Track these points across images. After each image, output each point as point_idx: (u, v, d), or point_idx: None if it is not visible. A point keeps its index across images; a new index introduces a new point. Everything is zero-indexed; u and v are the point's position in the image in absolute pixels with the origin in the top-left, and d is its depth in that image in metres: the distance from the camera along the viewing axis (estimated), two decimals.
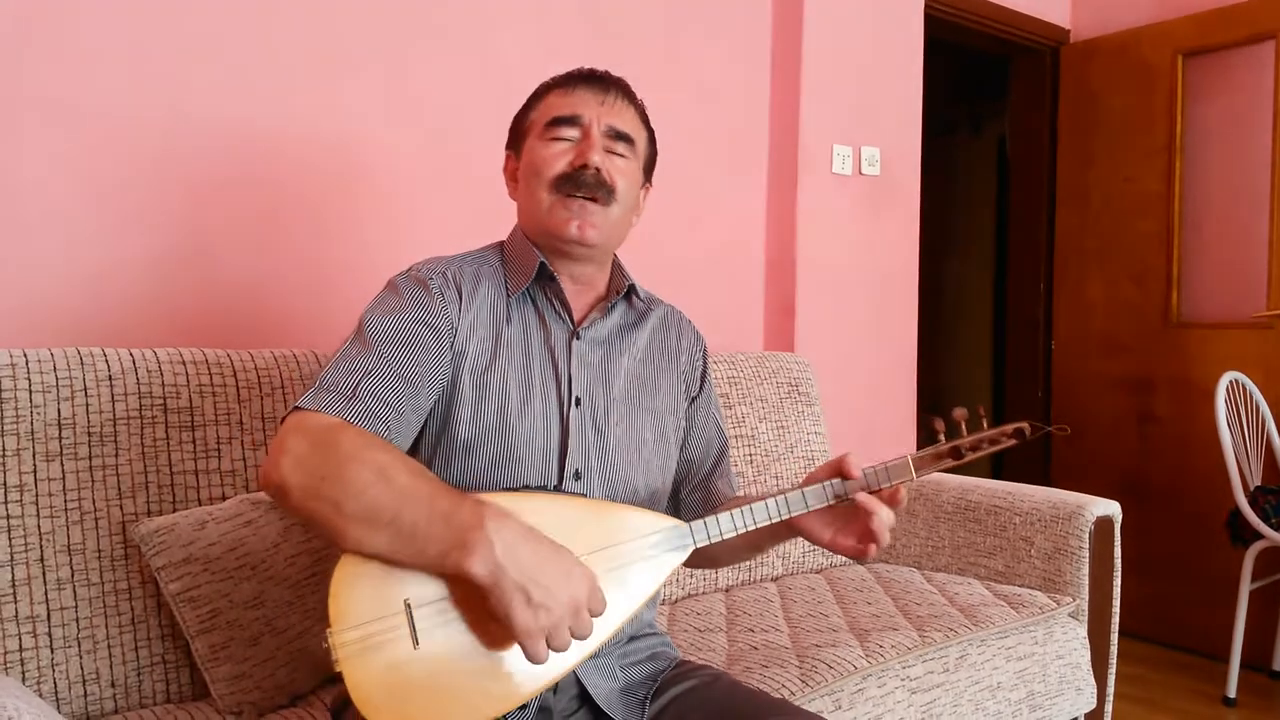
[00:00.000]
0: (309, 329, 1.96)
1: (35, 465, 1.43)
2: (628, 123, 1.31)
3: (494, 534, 0.99)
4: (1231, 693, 2.85)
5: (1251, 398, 3.03)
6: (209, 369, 1.62)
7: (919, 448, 3.16)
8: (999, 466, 4.34)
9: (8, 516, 1.40)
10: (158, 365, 1.57)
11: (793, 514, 1.17)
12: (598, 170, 1.25)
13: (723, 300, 2.76)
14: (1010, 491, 2.26)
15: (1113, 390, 3.57)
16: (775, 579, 2.29)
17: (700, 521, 1.16)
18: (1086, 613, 2.12)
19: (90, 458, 1.47)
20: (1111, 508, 2.16)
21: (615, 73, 1.37)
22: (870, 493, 1.17)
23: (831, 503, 1.18)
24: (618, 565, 1.11)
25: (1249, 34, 3.25)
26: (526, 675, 1.06)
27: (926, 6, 3.10)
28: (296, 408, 1.10)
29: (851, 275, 2.91)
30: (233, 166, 1.91)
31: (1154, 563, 3.33)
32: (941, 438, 1.20)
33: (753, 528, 1.17)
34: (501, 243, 1.37)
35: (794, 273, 2.78)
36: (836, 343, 2.86)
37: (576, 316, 1.31)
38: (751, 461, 2.32)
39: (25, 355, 1.47)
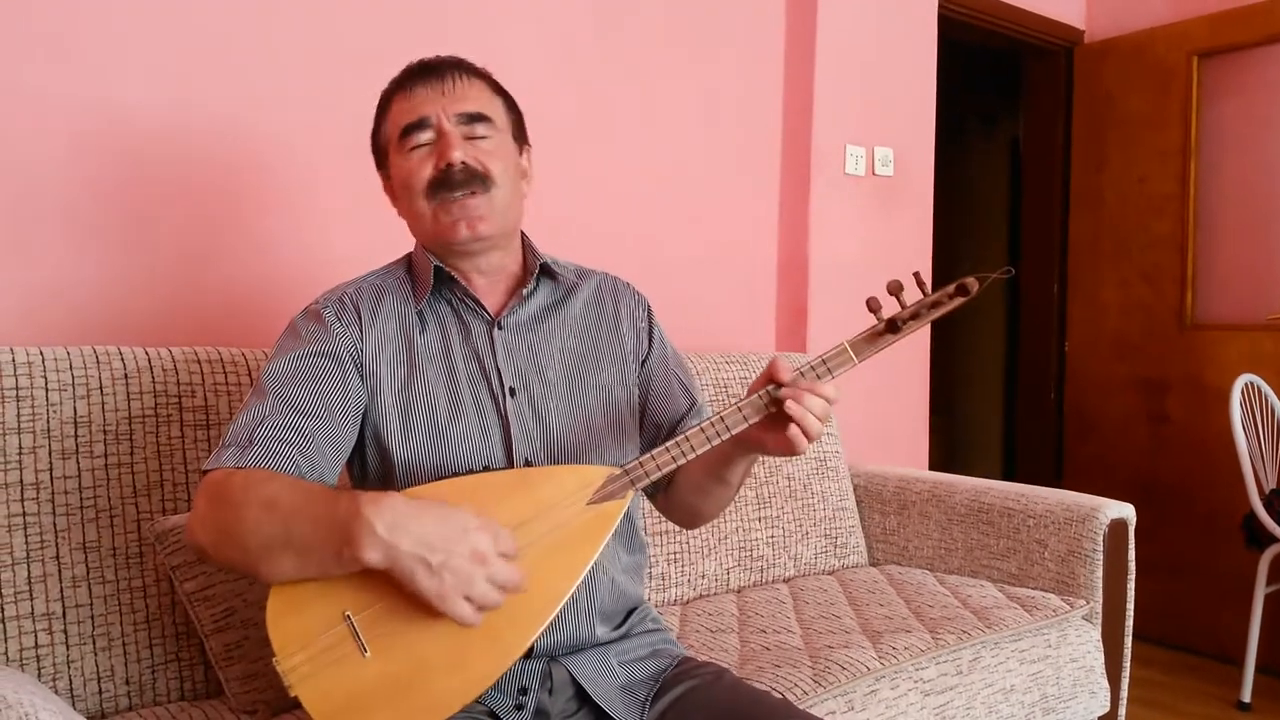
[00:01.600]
0: None
1: (51, 463, 1.44)
2: (475, 101, 1.25)
3: (373, 517, 0.99)
4: (1246, 697, 2.83)
5: (1267, 400, 3.01)
6: (224, 368, 1.63)
7: (929, 446, 3.16)
8: (1011, 468, 4.32)
9: (24, 514, 1.40)
10: (173, 364, 1.58)
11: (733, 431, 1.12)
12: (464, 164, 1.22)
13: (735, 301, 2.76)
14: (1023, 494, 2.25)
15: (1126, 392, 3.56)
16: (787, 580, 2.29)
17: (636, 461, 1.12)
18: (1100, 616, 2.10)
19: (106, 456, 1.48)
20: (1126, 510, 2.15)
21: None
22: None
23: (772, 410, 1.12)
24: (557, 526, 1.09)
25: (1265, 35, 3.24)
26: (490, 658, 1.04)
27: (940, 7, 3.09)
28: (202, 471, 1.13)
29: (864, 276, 2.90)
30: (247, 167, 1.91)
31: (1168, 566, 3.31)
32: (879, 315, 1.12)
33: (692, 456, 1.12)
34: (409, 254, 1.36)
35: (806, 274, 2.77)
36: None
37: (494, 307, 1.29)
38: (763, 463, 2.31)
39: (42, 353, 1.47)
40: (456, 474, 1.19)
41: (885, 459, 2.77)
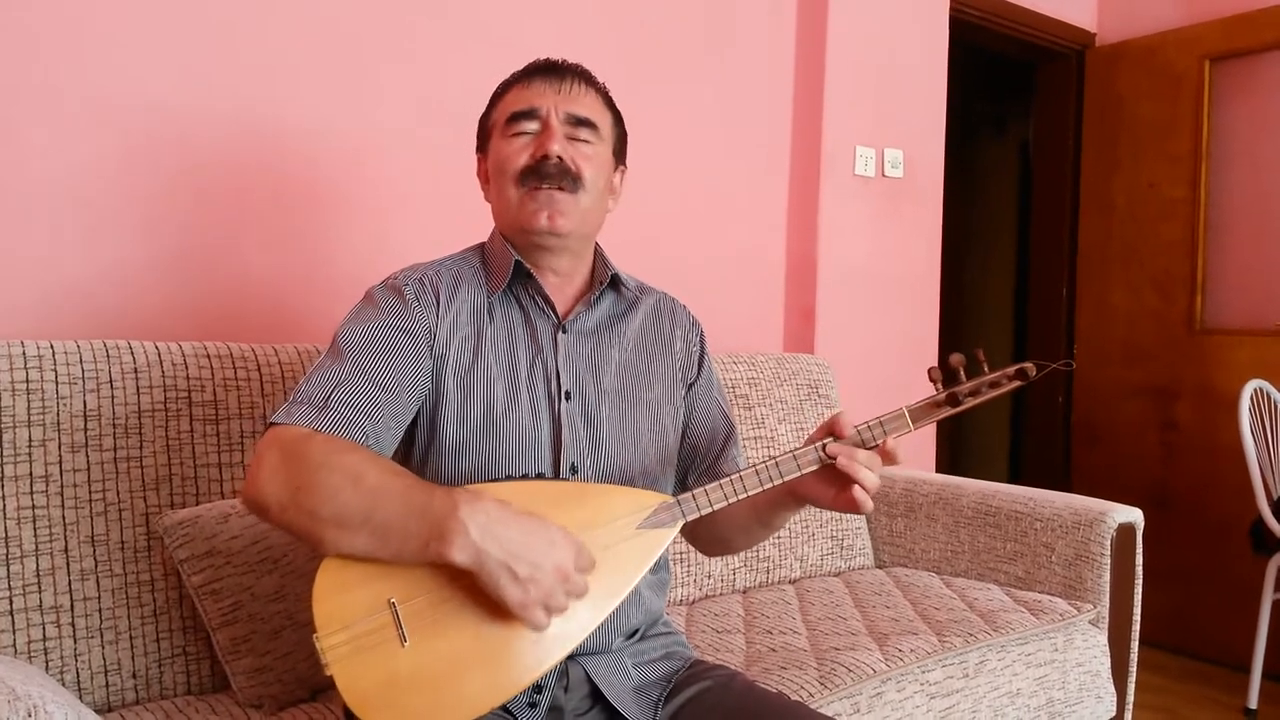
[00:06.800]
0: (333, 324, 1.96)
1: (61, 456, 1.44)
2: (588, 108, 1.29)
3: (468, 518, 1.01)
4: (1253, 704, 2.82)
5: (1275, 406, 2.99)
6: (233, 363, 1.63)
7: (937, 449, 3.14)
8: (1018, 472, 4.31)
9: (33, 507, 1.41)
10: (183, 359, 1.58)
11: (785, 478, 1.15)
12: (560, 159, 1.24)
13: (743, 302, 2.76)
14: (1031, 497, 2.25)
15: (1135, 398, 3.54)
16: (793, 581, 2.28)
17: (688, 494, 1.15)
18: (1107, 620, 2.10)
19: (115, 449, 1.49)
20: (1134, 515, 2.14)
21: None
22: (866, 449, 1.15)
23: (827, 462, 1.15)
24: (606, 545, 1.10)
25: (1277, 39, 3.22)
26: (525, 663, 1.05)
27: (951, 9, 3.09)
28: (271, 423, 1.12)
29: (872, 278, 2.90)
30: (258, 163, 1.92)
31: (1175, 572, 3.30)
32: (939, 386, 1.16)
33: (743, 496, 1.15)
34: (483, 244, 1.37)
35: (815, 275, 2.77)
36: (857, 345, 2.85)
37: (561, 310, 1.30)
38: None
39: (52, 347, 1.48)
40: (511, 476, 1.20)
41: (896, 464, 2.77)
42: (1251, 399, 2.89)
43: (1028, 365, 1.16)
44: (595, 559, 1.07)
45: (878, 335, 2.92)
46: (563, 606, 1.03)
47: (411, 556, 1.03)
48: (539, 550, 1.02)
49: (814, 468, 1.16)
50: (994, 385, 1.17)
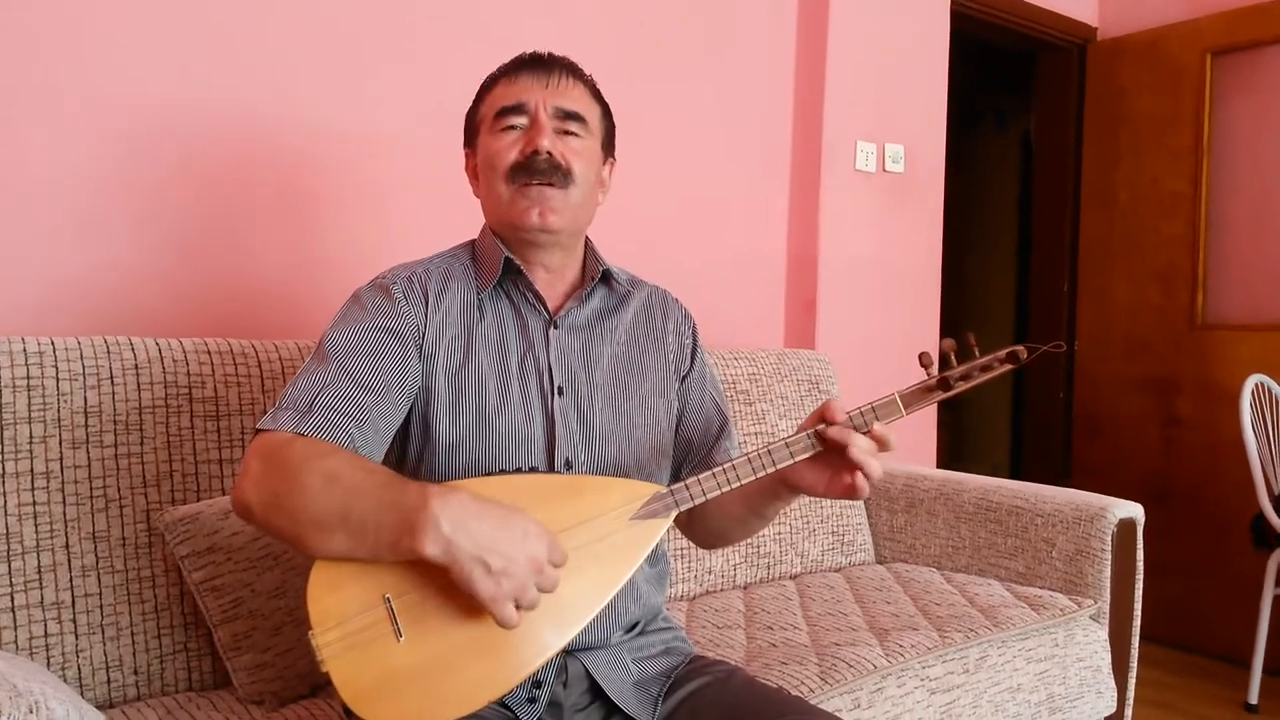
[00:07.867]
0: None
1: (62, 452, 1.44)
2: (576, 101, 1.28)
3: (440, 511, 0.99)
4: (1253, 699, 2.83)
5: (1276, 401, 2.99)
6: (234, 359, 1.63)
7: (937, 444, 3.14)
8: (1019, 466, 4.31)
9: (34, 503, 1.41)
10: (183, 355, 1.58)
11: (778, 465, 1.13)
12: (550, 154, 1.23)
13: (744, 297, 2.76)
14: (1032, 493, 2.25)
15: (1136, 392, 3.54)
16: (794, 577, 2.29)
17: (682, 484, 1.13)
18: (1108, 615, 2.10)
19: (116, 446, 1.49)
20: (1134, 510, 2.14)
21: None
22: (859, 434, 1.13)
23: (819, 449, 1.13)
24: (598, 537, 1.09)
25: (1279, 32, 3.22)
26: (522, 657, 1.05)
27: (953, 3, 3.08)
28: (257, 430, 1.12)
29: (873, 273, 2.90)
30: (259, 162, 1.91)
31: (1176, 567, 3.30)
32: (930, 371, 1.15)
33: (736, 485, 1.13)
34: (473, 241, 1.37)
35: (816, 270, 2.77)
36: (858, 340, 2.85)
37: (553, 305, 1.30)
38: None
39: (53, 343, 1.48)
40: (504, 471, 1.19)
41: (893, 456, 2.77)
42: (1253, 394, 2.89)
43: (1019, 348, 1.14)
44: (568, 553, 1.05)
45: (879, 330, 2.91)
46: (534, 602, 1.01)
47: (387, 553, 1.02)
48: (512, 543, 1.00)
49: (807, 455, 1.14)
50: (985, 369, 1.15)
